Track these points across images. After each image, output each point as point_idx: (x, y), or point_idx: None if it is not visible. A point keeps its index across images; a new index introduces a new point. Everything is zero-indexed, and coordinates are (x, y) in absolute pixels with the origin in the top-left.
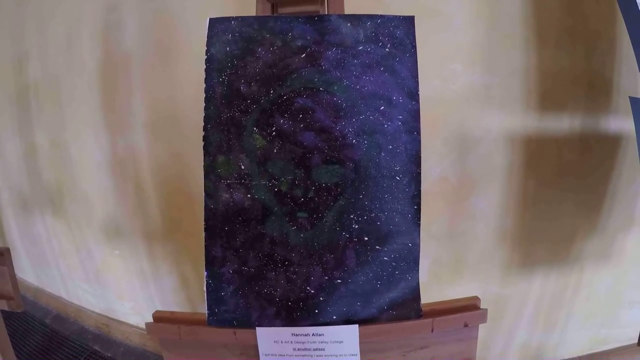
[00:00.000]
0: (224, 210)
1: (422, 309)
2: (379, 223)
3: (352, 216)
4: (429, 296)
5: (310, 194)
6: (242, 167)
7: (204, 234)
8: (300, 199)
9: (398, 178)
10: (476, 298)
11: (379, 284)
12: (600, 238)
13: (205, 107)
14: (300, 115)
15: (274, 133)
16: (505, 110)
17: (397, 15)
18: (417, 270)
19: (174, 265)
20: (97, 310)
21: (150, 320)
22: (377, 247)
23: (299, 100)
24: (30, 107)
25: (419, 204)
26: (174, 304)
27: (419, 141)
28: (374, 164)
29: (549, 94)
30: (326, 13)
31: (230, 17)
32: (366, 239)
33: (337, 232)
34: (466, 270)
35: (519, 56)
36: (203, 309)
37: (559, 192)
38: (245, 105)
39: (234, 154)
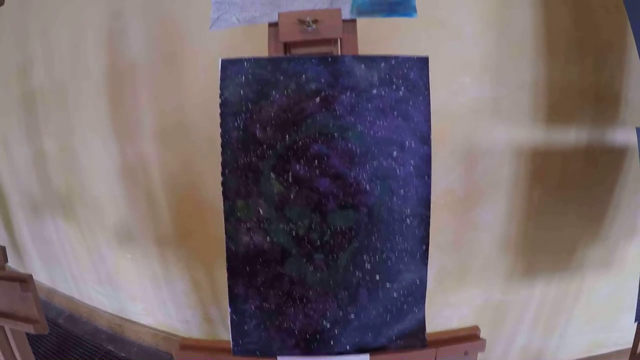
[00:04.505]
0: (245, 252)
1: (427, 338)
2: (389, 263)
3: (364, 257)
4: (433, 302)
5: (326, 237)
6: (261, 211)
7: (226, 274)
8: (317, 242)
9: (408, 221)
10: (476, 328)
11: (388, 317)
12: (602, 247)
13: (222, 152)
14: (316, 162)
15: (290, 179)
16: (512, 123)
17: (410, 56)
18: (424, 304)
19: (185, 269)
20: (109, 311)
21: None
22: (388, 284)
23: (314, 146)
24: (37, 113)
25: (427, 244)
26: (186, 306)
27: (429, 185)
28: (386, 208)
29: (557, 107)
30: (339, 54)
31: (242, 58)
32: (377, 277)
33: (350, 272)
34: (470, 277)
35: (527, 69)
36: (214, 311)
37: (563, 203)
38: (261, 151)
39: (253, 199)
